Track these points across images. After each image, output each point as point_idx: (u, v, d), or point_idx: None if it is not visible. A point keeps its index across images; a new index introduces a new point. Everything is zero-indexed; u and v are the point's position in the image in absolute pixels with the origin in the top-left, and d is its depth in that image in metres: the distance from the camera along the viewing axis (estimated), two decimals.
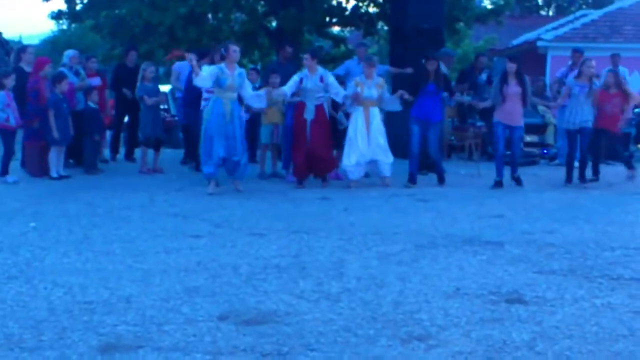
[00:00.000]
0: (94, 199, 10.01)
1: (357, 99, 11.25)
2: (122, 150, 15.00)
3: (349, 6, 19.95)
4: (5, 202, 9.25)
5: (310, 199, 10.40)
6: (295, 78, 11.27)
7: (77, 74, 13.08)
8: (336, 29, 22.97)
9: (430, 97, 11.58)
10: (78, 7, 19.68)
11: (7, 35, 36.45)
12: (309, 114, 11.19)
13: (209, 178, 10.60)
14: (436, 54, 12.55)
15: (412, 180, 11.61)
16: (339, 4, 20.09)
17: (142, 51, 17.15)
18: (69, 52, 13.62)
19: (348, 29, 22.18)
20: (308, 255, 7.13)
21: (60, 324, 5.12)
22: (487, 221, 8.89)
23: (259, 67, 19.17)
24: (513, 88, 11.46)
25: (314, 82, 11.14)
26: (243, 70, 10.83)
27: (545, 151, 15.53)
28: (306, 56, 11.48)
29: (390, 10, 16.56)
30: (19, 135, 12.09)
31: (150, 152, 12.97)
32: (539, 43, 23.02)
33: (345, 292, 5.94)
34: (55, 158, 11.76)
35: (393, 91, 12.19)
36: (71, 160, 12.98)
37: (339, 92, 11.33)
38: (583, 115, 11.70)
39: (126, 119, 14.60)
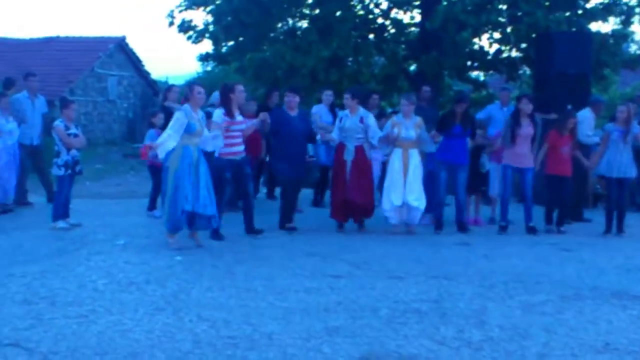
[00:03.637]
0: (235, 235, 10.21)
1: (388, 140, 10.82)
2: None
3: (491, 50, 19.78)
4: (153, 236, 9.56)
5: (449, 243, 10.28)
6: (338, 121, 11.08)
7: None
8: (476, 73, 22.82)
9: (457, 139, 11.08)
10: (223, 50, 20.32)
11: (154, 76, 38.08)
12: (348, 155, 10.82)
13: (171, 231, 9.31)
14: (589, 100, 12.22)
15: (439, 226, 11.19)
16: (481, 48, 19.94)
17: (283, 93, 17.49)
18: (217, 93, 13.92)
19: (489, 72, 21.91)
20: (448, 301, 7.04)
21: (205, 357, 5.24)
22: (636, 274, 8.54)
23: (397, 109, 19.20)
24: (526, 129, 11.04)
25: (353, 122, 10.77)
26: (203, 114, 9.73)
27: None
28: (346, 96, 11.06)
29: (535, 55, 16.31)
30: None
31: None
32: None
33: (488, 341, 5.83)
34: None
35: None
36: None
37: (375, 135, 10.88)
38: (622, 163, 11.16)
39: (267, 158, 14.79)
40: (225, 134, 9.93)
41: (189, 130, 9.17)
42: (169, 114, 12.45)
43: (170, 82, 39.40)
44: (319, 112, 13.31)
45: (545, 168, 11.46)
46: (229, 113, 10.05)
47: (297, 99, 10.91)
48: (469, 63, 20.05)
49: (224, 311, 6.42)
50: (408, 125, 10.86)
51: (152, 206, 11.85)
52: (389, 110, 18.89)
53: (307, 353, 5.42)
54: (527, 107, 11.14)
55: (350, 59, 19.58)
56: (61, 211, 10.68)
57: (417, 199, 10.81)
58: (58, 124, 10.54)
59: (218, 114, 10.10)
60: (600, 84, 21.38)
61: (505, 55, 19.60)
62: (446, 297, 7.21)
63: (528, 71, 20.06)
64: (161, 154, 9.19)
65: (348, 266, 8.53)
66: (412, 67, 20.80)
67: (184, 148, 9.16)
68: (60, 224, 10.57)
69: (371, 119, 10.95)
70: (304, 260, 8.82)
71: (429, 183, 11.32)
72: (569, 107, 12.23)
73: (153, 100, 32.87)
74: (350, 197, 10.74)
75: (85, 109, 32.18)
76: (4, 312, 6.28)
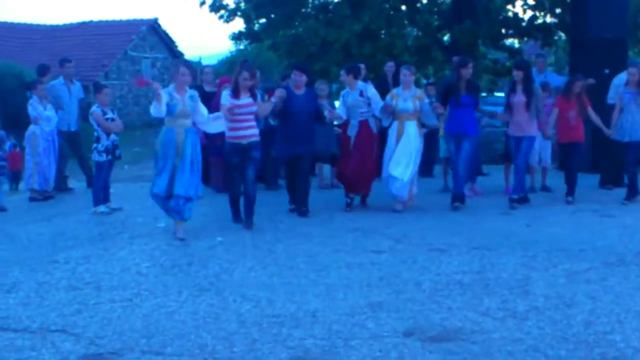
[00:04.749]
0: (275, 214, 10.21)
1: (386, 111, 10.45)
2: None
3: (526, 17, 19.57)
4: (193, 217, 9.58)
5: (491, 214, 10.21)
6: (341, 98, 10.70)
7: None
8: (510, 40, 22.62)
9: (464, 108, 10.55)
10: (256, 27, 20.33)
11: (188, 56, 38.20)
12: (352, 130, 10.47)
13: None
14: (627, 63, 11.99)
15: (458, 199, 10.62)
16: (515, 15, 19.73)
17: (317, 69, 17.48)
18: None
19: (524, 39, 21.71)
20: (491, 272, 7.02)
21: (251, 336, 5.27)
22: None
23: (432, 81, 19.10)
24: (518, 97, 10.63)
25: (353, 98, 10.42)
26: (195, 93, 9.07)
27: None
28: (341, 72, 10.79)
29: (570, 20, 16.11)
30: None
31: (327, 167, 13.13)
32: None
33: (533, 311, 5.81)
34: None
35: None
36: None
37: (377, 107, 10.44)
38: (635, 125, 10.82)
39: None
40: (230, 117, 9.30)
41: (169, 111, 8.62)
42: (204, 95, 12.49)
43: (204, 62, 39.53)
44: None
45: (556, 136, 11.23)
46: (235, 93, 9.42)
47: (303, 77, 10.23)
48: (503, 31, 19.87)
49: (267, 290, 6.45)
50: (406, 96, 10.50)
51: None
52: (424, 82, 18.80)
53: (352, 329, 5.43)
54: (515, 74, 10.77)
55: (383, 31, 19.47)
56: (101, 196, 10.76)
57: (400, 171, 10.31)
58: (95, 109, 10.59)
59: (225, 94, 9.54)
60: (637, 47, 21.11)
61: (540, 21, 19.39)
62: (489, 268, 7.18)
63: (563, 37, 19.86)
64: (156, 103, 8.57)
65: (389, 240, 8.53)
66: (446, 37, 20.66)
67: (166, 132, 8.73)
68: (101, 208, 10.66)
69: (371, 91, 10.61)
70: (345, 236, 8.83)
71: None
72: (606, 71, 12.07)
73: None
74: (352, 172, 10.46)
75: (121, 92, 32.42)
76: (49, 298, 6.36)
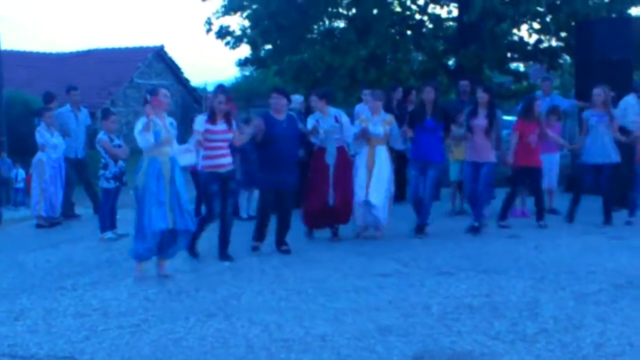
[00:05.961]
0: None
1: (364, 136, 10.16)
2: None
3: (531, 41, 19.66)
4: (200, 243, 9.56)
5: (498, 236, 10.19)
6: (311, 121, 10.04)
7: None
8: (516, 64, 22.71)
9: (428, 133, 10.26)
10: (262, 53, 20.45)
11: (194, 83, 38.40)
12: (330, 158, 9.99)
13: (140, 259, 8.16)
14: (633, 86, 11.97)
15: (418, 230, 10.34)
16: (521, 39, 19.82)
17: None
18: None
19: (530, 62, 21.83)
20: (500, 295, 6.99)
21: None
22: None
23: None
24: (480, 120, 10.41)
25: (329, 124, 9.95)
26: (173, 120, 8.50)
27: None
28: (313, 98, 10.47)
29: (576, 43, 16.16)
30: None
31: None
32: None
33: (542, 333, 5.77)
34: (245, 200, 12.12)
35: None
36: None
37: (350, 133, 10.14)
38: (604, 148, 10.82)
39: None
40: (206, 144, 8.85)
41: (153, 139, 7.93)
42: None
43: (209, 88, 39.70)
44: (362, 111, 13.25)
45: (514, 159, 10.84)
46: (211, 119, 8.92)
47: (283, 101, 9.58)
48: (508, 54, 19.96)
49: (276, 314, 6.43)
50: (376, 121, 10.27)
51: (197, 212, 11.88)
52: None
53: (361, 353, 5.40)
54: (480, 96, 10.54)
55: (389, 56, 19.56)
56: (107, 222, 10.79)
57: (378, 197, 10.07)
58: (102, 136, 10.63)
59: (200, 120, 9.00)
60: None
61: (545, 44, 19.48)
62: (497, 291, 7.15)
63: (569, 60, 19.94)
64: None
65: (396, 264, 8.51)
66: (451, 62, 20.74)
67: (150, 163, 7.98)
68: (108, 234, 10.68)
69: (344, 117, 10.28)
70: (352, 260, 8.81)
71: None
72: (612, 94, 12.06)
73: (194, 107, 33.14)
74: (335, 202, 10.01)
75: (127, 118, 32.52)
76: (57, 325, 6.34)
